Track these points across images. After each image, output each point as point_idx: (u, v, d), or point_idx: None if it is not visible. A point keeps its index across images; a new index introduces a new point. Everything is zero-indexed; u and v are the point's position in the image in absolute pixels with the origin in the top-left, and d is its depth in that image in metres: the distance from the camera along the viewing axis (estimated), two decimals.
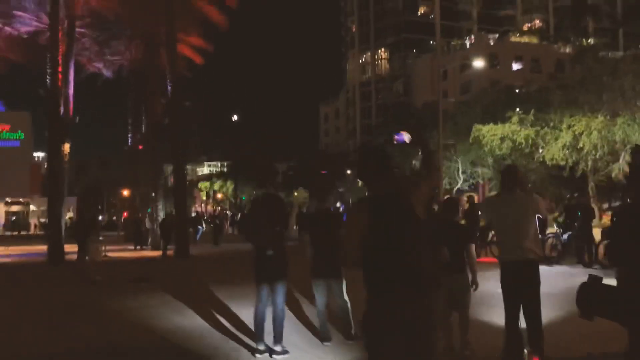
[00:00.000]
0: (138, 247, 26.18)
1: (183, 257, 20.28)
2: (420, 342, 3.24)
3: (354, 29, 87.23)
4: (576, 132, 30.17)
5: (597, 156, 30.97)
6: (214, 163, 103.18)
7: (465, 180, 43.62)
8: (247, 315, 7.99)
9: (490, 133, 33.09)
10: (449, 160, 42.14)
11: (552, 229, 14.74)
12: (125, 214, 55.51)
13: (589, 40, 76.38)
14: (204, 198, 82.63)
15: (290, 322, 6.87)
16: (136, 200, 32.87)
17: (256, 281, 6.02)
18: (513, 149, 33.08)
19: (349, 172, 68.10)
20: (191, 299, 9.75)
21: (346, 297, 6.47)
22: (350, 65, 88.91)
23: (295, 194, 53.45)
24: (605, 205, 38.74)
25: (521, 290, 5.17)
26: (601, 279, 3.70)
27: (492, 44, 74.28)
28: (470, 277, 5.84)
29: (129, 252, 24.00)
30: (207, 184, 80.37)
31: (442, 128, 42.54)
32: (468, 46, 76.73)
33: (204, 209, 78.07)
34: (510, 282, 5.19)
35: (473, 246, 6.03)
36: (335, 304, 6.54)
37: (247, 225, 6.53)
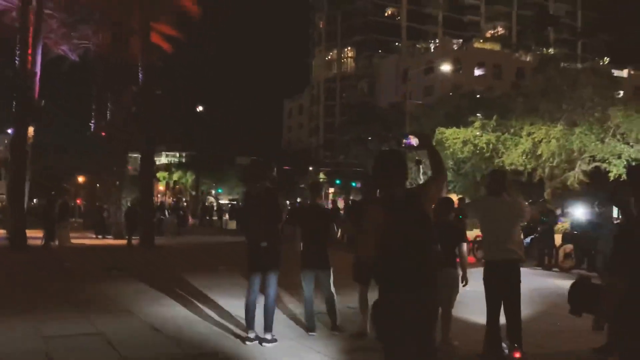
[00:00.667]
0: (100, 236, 25.85)
1: (148, 246, 20.18)
2: (424, 339, 3.51)
3: (321, 25, 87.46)
4: (536, 140, 31.17)
5: (555, 163, 32.08)
6: (172, 153, 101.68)
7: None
8: (226, 303, 8.17)
9: (453, 136, 33.83)
10: (411, 161, 42.88)
11: None
12: (79, 200, 54.37)
13: (550, 50, 78.69)
14: (161, 188, 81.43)
15: (277, 312, 7.05)
16: (97, 188, 32.35)
17: (249, 271, 6.20)
18: (474, 153, 33.91)
19: (310, 168, 68.50)
20: (168, 288, 9.83)
21: (333, 289, 6.71)
22: (316, 62, 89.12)
23: None
24: (558, 211, 39.99)
25: (503, 288, 5.50)
26: (590, 278, 4.04)
27: (456, 48, 75.55)
28: (460, 274, 6.17)
29: (91, 240, 23.69)
30: (166, 174, 79.25)
31: (406, 130, 43.47)
32: (433, 49, 77.87)
33: (163, 199, 77.04)
34: (494, 281, 5.51)
35: (465, 245, 6.37)
36: (322, 295, 6.77)
37: (243, 217, 6.71)
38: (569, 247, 13.74)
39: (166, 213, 32.79)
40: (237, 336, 6.46)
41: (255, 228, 6.08)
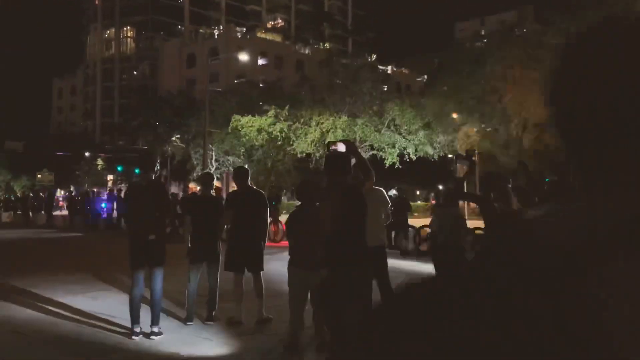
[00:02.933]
0: None
1: None
2: (361, 301, 4.16)
3: (97, 2, 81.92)
4: (324, 129, 33.52)
5: None
6: None
7: (217, 168, 44.88)
8: (89, 302, 7.86)
9: (248, 124, 34.72)
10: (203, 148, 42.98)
11: None
12: None
13: (326, 45, 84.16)
14: None
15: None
16: None
17: (133, 266, 6.14)
18: (268, 141, 35.27)
19: (87, 154, 64.22)
20: (19, 288, 9.04)
21: (217, 281, 6.91)
22: (92, 40, 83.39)
23: (39, 175, 48.63)
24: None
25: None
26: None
27: (239, 37, 76.78)
28: None
29: None
30: None
31: (198, 117, 43.38)
32: (217, 36, 78.10)
33: None
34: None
35: None
36: (206, 286, 6.92)
37: (128, 210, 6.55)
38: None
39: None
40: (120, 332, 6.33)
41: (143, 220, 6.04)
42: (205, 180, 7.17)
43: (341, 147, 4.58)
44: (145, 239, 6.00)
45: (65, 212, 34.87)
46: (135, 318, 6.13)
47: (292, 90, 40.18)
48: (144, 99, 53.74)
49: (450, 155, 34.72)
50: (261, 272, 6.76)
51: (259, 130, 34.62)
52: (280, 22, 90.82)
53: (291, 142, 35.40)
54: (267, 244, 6.88)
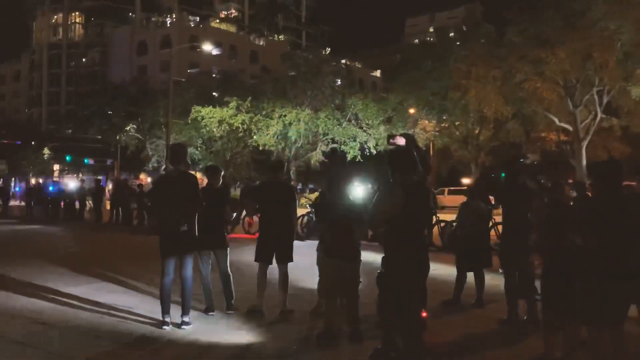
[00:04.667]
0: None
1: None
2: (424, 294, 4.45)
3: None
4: (286, 122, 33.55)
5: (300, 145, 35.03)
6: None
7: None
8: (101, 294, 7.81)
9: (209, 115, 34.39)
10: (161, 139, 42.35)
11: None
12: None
13: (280, 37, 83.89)
14: None
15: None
16: None
17: (163, 255, 6.17)
18: (229, 132, 35.05)
19: (33, 142, 62.00)
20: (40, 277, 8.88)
21: (229, 269, 7.00)
22: (38, 25, 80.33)
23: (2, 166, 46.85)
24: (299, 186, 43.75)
25: None
26: None
27: (192, 26, 75.61)
28: None
29: None
30: None
31: (154, 106, 42.55)
32: (169, 24, 76.67)
33: None
34: None
35: None
36: (219, 275, 6.99)
37: (157, 201, 6.55)
38: None
39: None
40: (150, 323, 6.34)
41: (173, 211, 6.08)
42: (215, 172, 7.20)
43: (401, 141, 4.75)
44: (176, 230, 6.05)
45: (17, 202, 33.77)
46: (165, 309, 6.16)
47: (253, 82, 39.97)
48: (97, 87, 52.29)
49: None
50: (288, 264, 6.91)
51: (220, 122, 34.33)
52: (233, 12, 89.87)
53: (252, 134, 35.29)
54: (242, 235, 7.06)
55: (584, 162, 26.64)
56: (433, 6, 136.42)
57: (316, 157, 36.01)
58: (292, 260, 6.93)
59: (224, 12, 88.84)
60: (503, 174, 7.16)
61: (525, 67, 25.20)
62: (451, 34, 37.34)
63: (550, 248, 5.04)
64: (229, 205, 7.12)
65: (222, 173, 7.30)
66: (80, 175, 52.53)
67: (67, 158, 57.32)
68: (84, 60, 76.57)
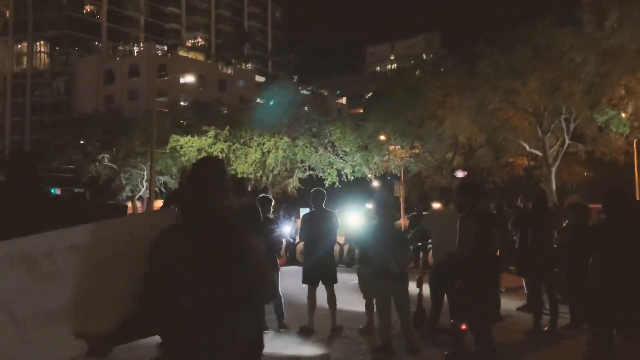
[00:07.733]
0: None
1: None
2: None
3: (7, 14, 78.09)
4: (264, 150, 34.23)
5: (277, 172, 35.71)
6: None
7: (147, 188, 44.22)
8: None
9: (188, 145, 34.80)
10: (135, 168, 42.46)
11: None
12: None
13: (247, 65, 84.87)
14: None
15: None
16: None
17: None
18: None
19: None
20: None
21: (280, 290, 7.60)
22: (2, 54, 79.26)
23: None
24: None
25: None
26: None
27: (160, 55, 75.91)
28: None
29: None
30: None
31: (128, 135, 42.56)
32: (136, 53, 76.79)
33: None
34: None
35: None
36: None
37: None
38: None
39: None
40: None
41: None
42: (266, 201, 7.85)
43: (460, 174, 5.54)
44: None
45: None
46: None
47: (226, 111, 40.57)
48: (62, 117, 51.96)
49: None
50: (334, 285, 7.56)
51: (199, 151, 34.76)
52: (200, 41, 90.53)
53: (231, 162, 35.77)
54: None
55: (554, 186, 28.03)
56: (392, 34, 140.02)
57: (293, 184, 36.70)
58: (335, 282, 7.67)
59: (190, 41, 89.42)
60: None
61: (497, 96, 26.56)
62: (418, 63, 38.95)
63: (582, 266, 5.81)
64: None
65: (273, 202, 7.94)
66: None
67: None
68: (49, 89, 75.76)
